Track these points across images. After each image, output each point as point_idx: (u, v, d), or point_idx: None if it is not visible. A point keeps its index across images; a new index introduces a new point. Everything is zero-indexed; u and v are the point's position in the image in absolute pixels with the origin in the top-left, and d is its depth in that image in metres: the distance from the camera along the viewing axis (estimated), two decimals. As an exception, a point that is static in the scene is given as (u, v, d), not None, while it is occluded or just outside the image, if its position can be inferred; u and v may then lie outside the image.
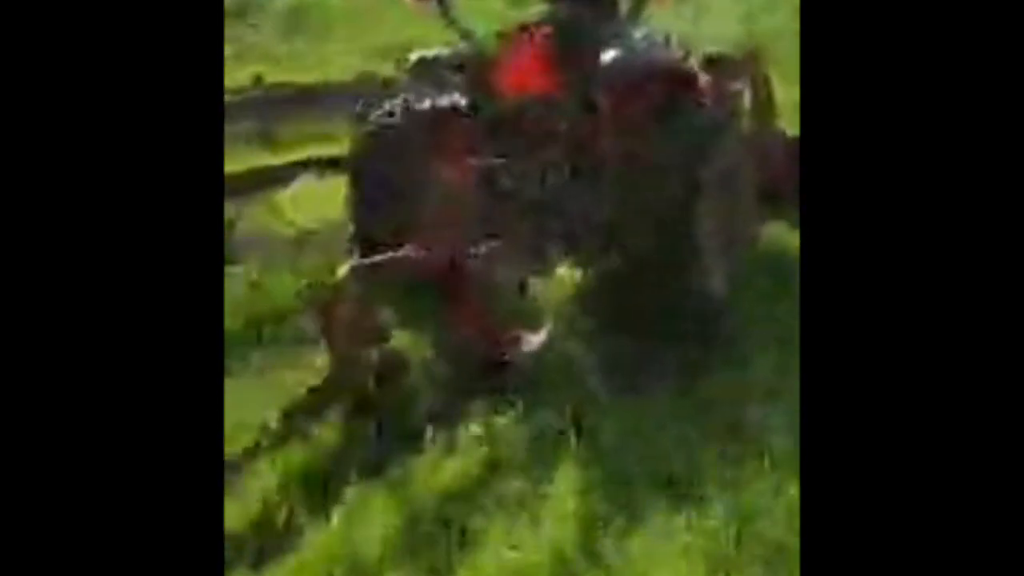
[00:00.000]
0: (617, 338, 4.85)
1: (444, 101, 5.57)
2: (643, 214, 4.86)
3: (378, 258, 4.63)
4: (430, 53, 5.59)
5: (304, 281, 5.60)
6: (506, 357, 4.50)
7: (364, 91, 8.02)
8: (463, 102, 5.51)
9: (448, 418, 4.26)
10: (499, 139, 5.45)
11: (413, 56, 5.62)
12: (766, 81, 6.51)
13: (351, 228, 5.61)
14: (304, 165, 8.11)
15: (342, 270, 4.40)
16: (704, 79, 5.62)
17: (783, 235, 6.14)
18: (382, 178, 5.44)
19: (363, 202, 5.55)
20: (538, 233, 5.17)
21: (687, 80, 5.39)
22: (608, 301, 5.05)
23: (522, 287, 5.09)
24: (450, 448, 4.06)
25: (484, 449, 4.01)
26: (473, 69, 5.42)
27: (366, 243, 5.44)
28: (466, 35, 5.53)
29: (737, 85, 6.19)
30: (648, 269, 4.84)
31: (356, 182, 5.58)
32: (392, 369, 4.36)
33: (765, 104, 6.42)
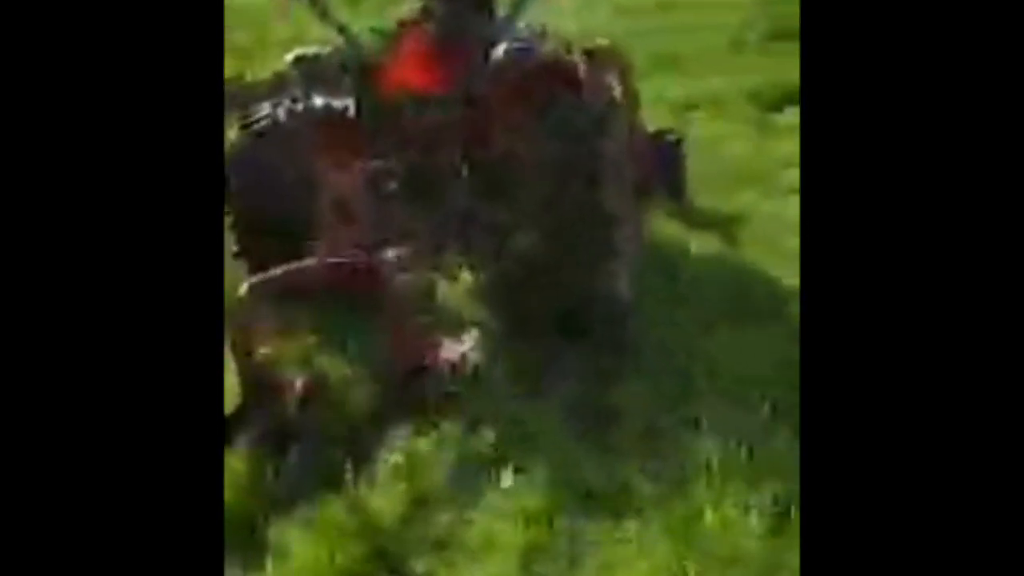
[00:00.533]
0: (520, 342, 4.79)
1: (325, 101, 5.35)
2: (542, 213, 4.80)
3: (277, 272, 4.38)
4: (309, 51, 5.35)
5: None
6: (426, 362, 4.29)
7: (233, 92, 7.59)
8: (346, 102, 5.31)
9: (368, 445, 4.05)
10: (384, 139, 5.28)
11: (290, 55, 5.35)
12: (630, 73, 6.59)
13: (232, 241, 5.32)
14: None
15: (241, 289, 4.15)
16: (583, 72, 5.59)
17: (669, 231, 6.23)
18: (264, 184, 5.17)
19: (243, 210, 5.26)
20: (434, 235, 5.02)
21: (571, 73, 5.35)
22: (508, 304, 4.98)
23: (430, 292, 4.94)
24: (370, 482, 3.86)
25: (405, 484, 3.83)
26: (354, 67, 5.21)
27: (249, 254, 5.19)
28: (343, 32, 5.31)
29: (610, 78, 6.20)
30: (548, 270, 4.80)
31: (237, 191, 5.27)
32: (312, 391, 4.14)
33: (632, 97, 6.48)
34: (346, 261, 4.55)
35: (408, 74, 5.15)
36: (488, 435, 4.00)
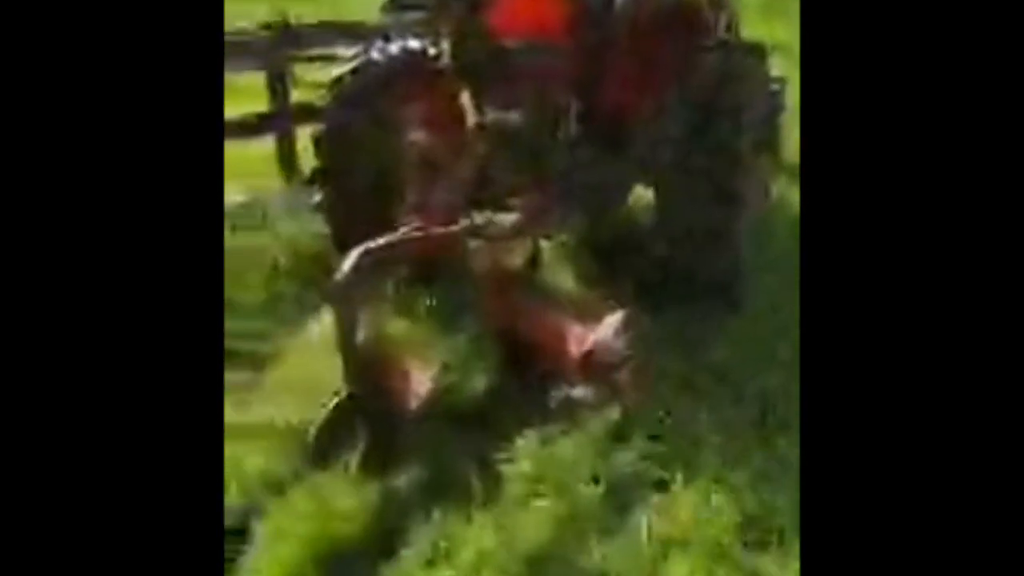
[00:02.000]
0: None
1: (421, 45, 4.76)
2: (692, 176, 4.20)
3: (383, 241, 3.65)
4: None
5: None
6: (588, 348, 3.52)
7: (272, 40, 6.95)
8: (442, 47, 4.71)
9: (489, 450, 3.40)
10: (486, 90, 4.69)
11: (390, -7, 4.72)
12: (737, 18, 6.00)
13: (318, 197, 4.75)
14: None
15: (347, 261, 3.50)
16: (708, 16, 4.98)
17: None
18: (352, 141, 4.57)
19: (330, 165, 4.68)
20: (549, 199, 4.42)
21: (700, 15, 4.74)
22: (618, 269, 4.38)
23: (535, 262, 4.36)
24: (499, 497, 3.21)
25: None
26: (459, 8, 4.61)
27: (338, 219, 4.63)
28: None
29: (723, 23, 5.59)
30: (695, 240, 4.22)
31: (326, 145, 4.68)
32: (435, 394, 3.46)
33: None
34: (441, 229, 3.91)
35: (523, 15, 4.54)
36: (642, 441, 3.35)
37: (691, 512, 3.04)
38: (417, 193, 4.53)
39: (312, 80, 7.58)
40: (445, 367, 3.45)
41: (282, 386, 3.81)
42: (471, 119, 4.85)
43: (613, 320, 3.59)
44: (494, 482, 3.22)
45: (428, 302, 4.13)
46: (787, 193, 5.87)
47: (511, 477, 3.23)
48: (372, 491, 3.15)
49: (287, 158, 7.02)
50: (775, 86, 6.14)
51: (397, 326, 3.96)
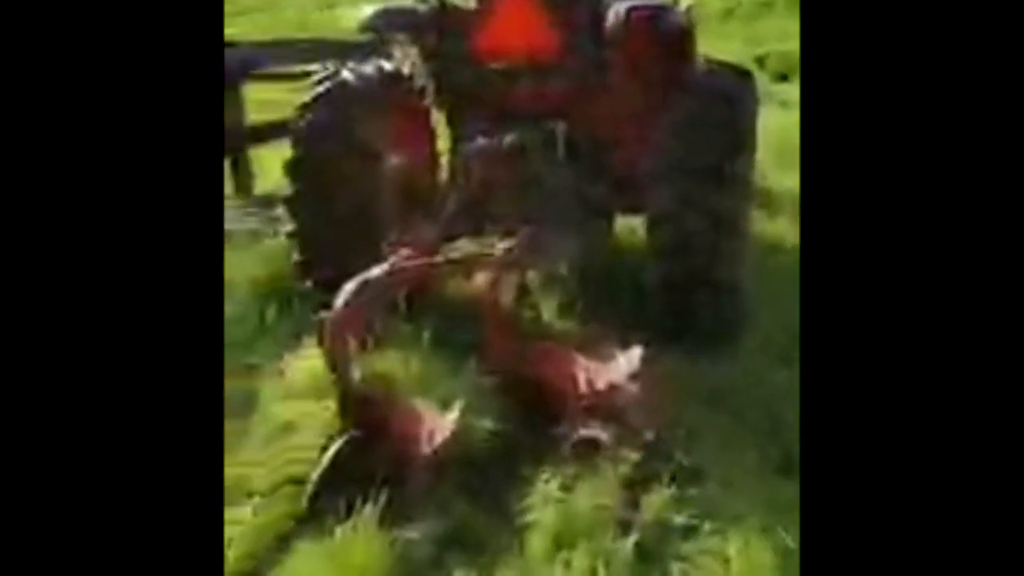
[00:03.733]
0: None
1: (399, 67, 4.56)
2: (685, 204, 4.06)
3: (388, 268, 3.49)
4: (391, 6, 4.52)
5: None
6: (600, 388, 3.36)
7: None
8: (422, 69, 4.53)
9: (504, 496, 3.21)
10: (471, 114, 4.52)
11: (369, 8, 4.47)
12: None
13: (289, 226, 4.50)
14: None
15: (340, 296, 3.28)
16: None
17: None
18: (327, 170, 4.33)
19: (302, 196, 4.43)
20: (542, 227, 4.24)
21: (688, 39, 4.63)
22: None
23: (522, 294, 4.17)
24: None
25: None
26: (446, 29, 4.43)
27: (313, 250, 4.39)
28: None
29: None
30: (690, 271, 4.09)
31: (297, 175, 4.43)
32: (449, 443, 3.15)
33: None
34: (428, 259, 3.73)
35: (512, 37, 4.38)
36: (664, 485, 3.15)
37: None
38: (402, 222, 4.34)
39: (263, 99, 7.31)
40: (466, 408, 3.23)
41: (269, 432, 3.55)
42: (444, 143, 4.69)
43: (628, 358, 3.43)
44: (514, 534, 3.03)
45: (424, 337, 3.91)
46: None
47: (533, 528, 3.03)
48: (387, 544, 2.91)
49: (241, 179, 6.75)
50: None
51: (391, 363, 3.73)
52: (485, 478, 3.26)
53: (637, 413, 3.33)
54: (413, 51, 4.57)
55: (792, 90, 7.09)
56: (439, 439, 3.10)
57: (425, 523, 2.99)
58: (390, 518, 2.98)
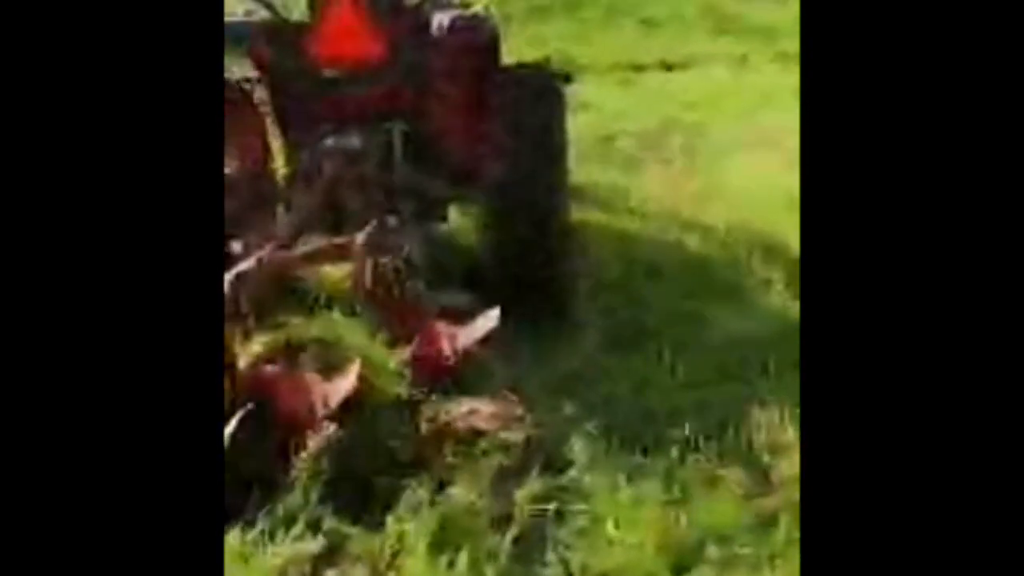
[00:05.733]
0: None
1: (229, 78, 4.76)
2: (510, 196, 4.48)
3: (260, 258, 3.73)
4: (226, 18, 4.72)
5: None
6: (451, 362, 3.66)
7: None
8: (255, 75, 4.76)
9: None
10: (307, 116, 4.79)
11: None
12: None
13: None
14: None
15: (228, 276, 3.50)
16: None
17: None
18: None
19: None
20: (389, 219, 4.55)
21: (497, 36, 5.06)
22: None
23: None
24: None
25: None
26: (279, 36, 4.68)
27: None
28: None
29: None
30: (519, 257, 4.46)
31: None
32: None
33: None
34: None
35: (339, 46, 4.68)
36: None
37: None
38: (247, 224, 4.52)
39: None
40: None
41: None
42: (276, 144, 4.92)
43: (485, 318, 3.75)
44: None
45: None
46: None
47: (410, 530, 3.08)
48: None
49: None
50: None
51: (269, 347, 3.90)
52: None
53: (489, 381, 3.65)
54: (246, 63, 4.79)
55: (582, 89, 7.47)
56: (335, 402, 3.31)
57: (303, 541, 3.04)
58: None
